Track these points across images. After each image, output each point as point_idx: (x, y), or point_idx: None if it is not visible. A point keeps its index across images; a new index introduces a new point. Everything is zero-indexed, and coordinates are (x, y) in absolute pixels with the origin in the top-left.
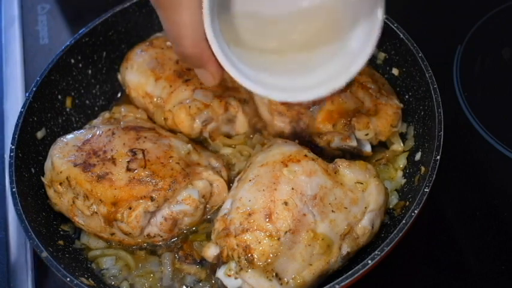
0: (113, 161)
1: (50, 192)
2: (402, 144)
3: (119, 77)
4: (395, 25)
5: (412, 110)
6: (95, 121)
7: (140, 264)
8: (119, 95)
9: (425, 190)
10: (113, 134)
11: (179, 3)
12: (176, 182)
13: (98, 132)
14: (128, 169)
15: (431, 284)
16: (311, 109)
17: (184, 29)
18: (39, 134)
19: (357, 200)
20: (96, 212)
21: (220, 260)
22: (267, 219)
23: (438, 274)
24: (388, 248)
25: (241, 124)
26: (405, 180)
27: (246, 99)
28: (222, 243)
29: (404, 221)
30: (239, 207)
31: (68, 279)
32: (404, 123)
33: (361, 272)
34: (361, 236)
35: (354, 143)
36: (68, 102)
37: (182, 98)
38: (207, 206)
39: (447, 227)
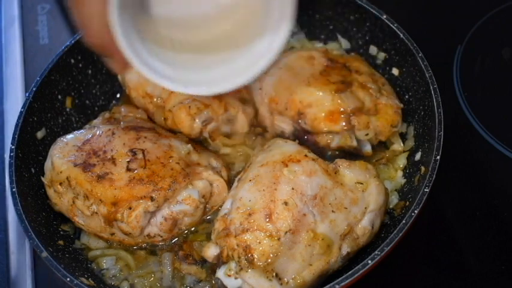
0: (113, 161)
1: (50, 192)
2: (402, 144)
3: (119, 77)
4: (395, 25)
5: (412, 110)
6: (95, 121)
7: (140, 264)
8: (119, 95)
9: (425, 190)
10: (113, 134)
11: None
12: (176, 182)
13: (98, 132)
14: (128, 169)
15: (431, 284)
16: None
17: (91, 19)
18: (39, 134)
19: (357, 200)
20: (96, 212)
21: (220, 260)
22: (267, 219)
23: (438, 274)
24: (388, 248)
25: (241, 124)
26: (405, 180)
27: (246, 99)
28: (222, 243)
29: (404, 221)
30: (239, 207)
31: (68, 279)
32: (404, 123)
33: (361, 272)
34: (361, 236)
35: (354, 143)
36: (68, 102)
37: (182, 98)
38: (207, 206)
39: (447, 227)
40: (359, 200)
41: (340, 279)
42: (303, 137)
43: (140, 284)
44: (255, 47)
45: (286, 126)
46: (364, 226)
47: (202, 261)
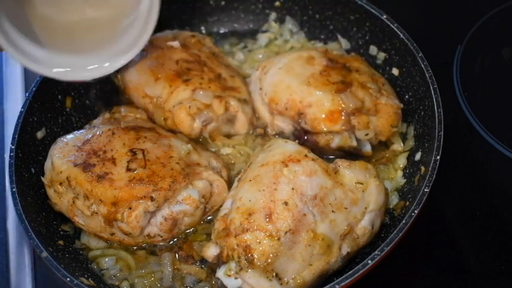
0: (113, 161)
1: (50, 192)
2: (402, 144)
3: (118, 77)
4: (395, 25)
5: (412, 110)
6: (95, 121)
7: (140, 264)
8: (119, 95)
9: (425, 190)
10: (113, 134)
11: None
12: (176, 182)
13: (98, 132)
14: (128, 169)
15: (431, 284)
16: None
17: None
18: (39, 134)
19: (357, 200)
20: (96, 212)
21: (220, 260)
22: (267, 219)
23: (438, 274)
24: (388, 248)
25: (241, 124)
26: (405, 180)
27: (246, 99)
28: (222, 243)
29: (404, 221)
30: (239, 207)
31: (68, 279)
32: (404, 123)
33: (361, 272)
34: (361, 236)
35: (354, 143)
36: (68, 102)
37: (182, 98)
38: (207, 206)
39: (447, 227)
40: (359, 200)
41: (340, 279)
42: (303, 137)
43: (140, 284)
44: (124, 38)
45: (286, 126)
46: (364, 226)
47: (202, 261)
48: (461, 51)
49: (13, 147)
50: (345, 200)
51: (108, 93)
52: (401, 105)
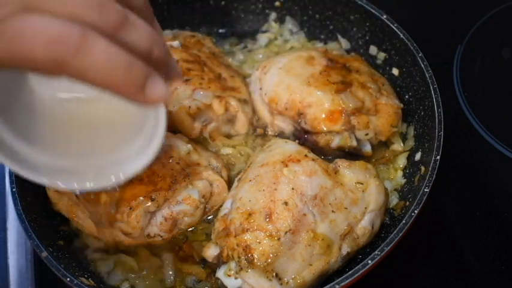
0: None
1: (50, 192)
2: (402, 144)
3: None
4: (395, 25)
5: (412, 110)
6: None
7: (140, 265)
8: None
9: (425, 190)
10: None
11: None
12: (176, 182)
13: None
14: None
15: (431, 284)
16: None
17: None
18: None
19: (357, 200)
20: None
21: (220, 260)
22: (267, 219)
23: (438, 274)
24: (388, 248)
25: (241, 124)
26: (405, 180)
27: (246, 99)
28: (222, 243)
29: (404, 221)
30: (239, 207)
31: (68, 279)
32: (404, 123)
33: (361, 272)
34: (361, 236)
35: (354, 143)
36: None
37: (182, 98)
38: (207, 206)
39: (447, 227)
40: (359, 200)
41: (340, 279)
42: (303, 137)
43: (140, 284)
44: (125, 149)
45: (286, 127)
46: (364, 226)
47: (202, 261)
48: (461, 51)
49: None
50: (345, 200)
51: None
52: (401, 105)
